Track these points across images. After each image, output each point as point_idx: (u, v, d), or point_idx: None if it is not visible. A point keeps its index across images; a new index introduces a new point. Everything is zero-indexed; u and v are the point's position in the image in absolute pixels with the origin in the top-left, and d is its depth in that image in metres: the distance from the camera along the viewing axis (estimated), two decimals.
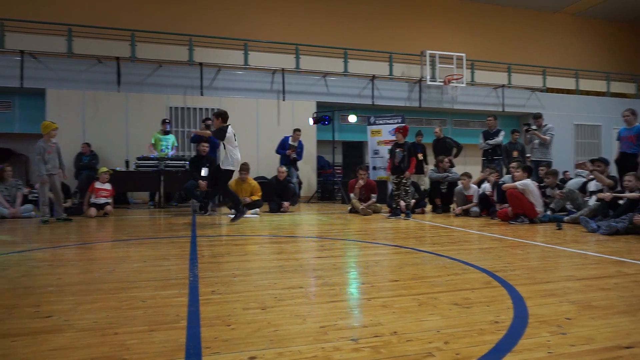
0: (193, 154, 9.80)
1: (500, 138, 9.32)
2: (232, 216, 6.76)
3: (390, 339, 1.97)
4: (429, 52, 13.48)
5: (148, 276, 3.27)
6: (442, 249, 4.41)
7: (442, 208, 8.57)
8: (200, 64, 11.47)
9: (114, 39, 11.14)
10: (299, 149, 10.31)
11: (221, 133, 6.52)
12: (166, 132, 9.93)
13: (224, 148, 6.70)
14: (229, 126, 6.62)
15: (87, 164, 9.62)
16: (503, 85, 14.36)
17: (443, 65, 13.58)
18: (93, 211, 7.62)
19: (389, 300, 2.57)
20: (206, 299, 2.59)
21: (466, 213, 7.83)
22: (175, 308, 2.42)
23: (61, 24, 10.70)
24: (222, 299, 2.62)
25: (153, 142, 9.80)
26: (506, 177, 7.79)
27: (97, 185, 7.96)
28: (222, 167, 6.70)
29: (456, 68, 13.57)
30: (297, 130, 10.38)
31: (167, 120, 9.96)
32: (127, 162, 9.66)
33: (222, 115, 6.62)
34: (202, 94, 11.49)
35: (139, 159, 9.21)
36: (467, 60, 13.82)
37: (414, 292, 2.76)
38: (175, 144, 10.15)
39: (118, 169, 9.20)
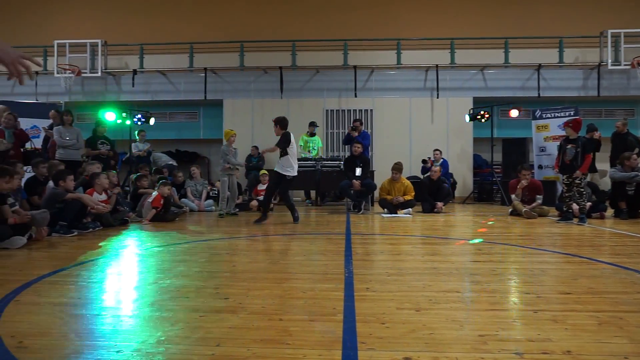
0: (347, 154, 10.17)
1: None
2: (257, 219, 6.63)
3: (563, 359, 1.76)
4: (610, 31, 11.59)
5: (307, 269, 3.51)
6: (629, 260, 3.76)
7: (627, 213, 7.30)
8: (354, 67, 11.84)
9: (277, 50, 12.21)
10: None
11: (285, 139, 6.42)
12: (312, 134, 10.50)
13: (287, 154, 6.54)
14: (290, 133, 6.59)
15: (255, 165, 10.75)
16: None
17: (630, 45, 11.54)
18: (254, 203, 8.60)
19: (559, 315, 2.30)
20: (361, 295, 2.67)
21: None
22: (333, 301, 2.54)
23: (234, 42, 12.13)
24: (377, 296, 2.66)
25: (302, 144, 10.45)
26: None
27: (260, 187, 8.90)
28: (285, 173, 6.55)
29: None
30: (435, 151, 10.58)
31: (315, 124, 10.57)
32: None
33: (281, 122, 6.55)
34: (355, 96, 11.85)
35: (297, 160, 9.90)
36: None
37: (591, 308, 2.42)
38: (320, 145, 10.66)
39: None
